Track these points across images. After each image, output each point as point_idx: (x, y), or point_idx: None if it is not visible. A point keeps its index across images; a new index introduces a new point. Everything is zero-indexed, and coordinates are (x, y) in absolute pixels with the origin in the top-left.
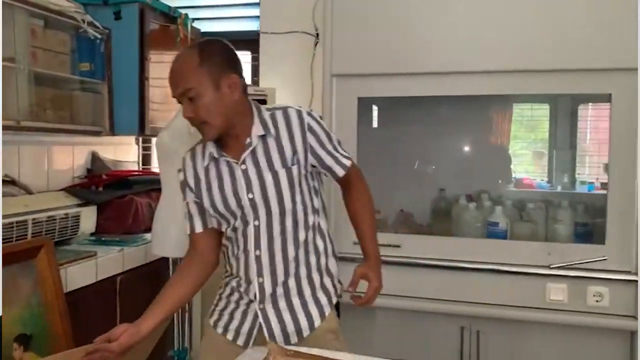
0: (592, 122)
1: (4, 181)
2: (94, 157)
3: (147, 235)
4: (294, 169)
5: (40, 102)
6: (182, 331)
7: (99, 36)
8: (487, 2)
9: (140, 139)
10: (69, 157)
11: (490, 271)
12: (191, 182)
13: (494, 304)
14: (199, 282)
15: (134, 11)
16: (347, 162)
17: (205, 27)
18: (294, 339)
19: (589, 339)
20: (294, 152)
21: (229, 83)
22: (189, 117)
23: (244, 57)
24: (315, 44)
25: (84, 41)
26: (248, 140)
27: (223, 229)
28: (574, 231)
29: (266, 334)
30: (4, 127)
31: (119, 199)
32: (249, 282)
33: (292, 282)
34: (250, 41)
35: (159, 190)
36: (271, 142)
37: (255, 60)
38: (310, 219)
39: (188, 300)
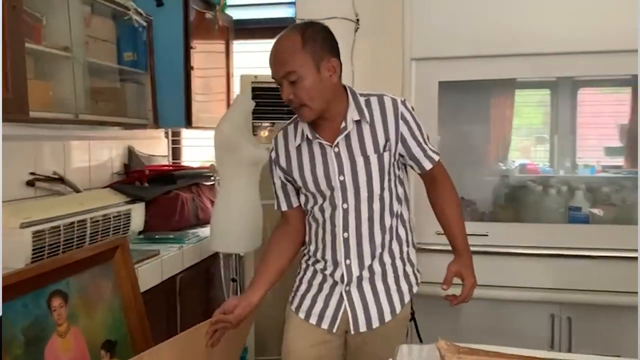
0: None
1: (51, 178)
2: (130, 152)
3: (198, 231)
4: (385, 156)
5: (93, 94)
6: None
7: (144, 24)
8: None
9: (170, 131)
10: (107, 152)
11: (579, 257)
12: (282, 160)
13: (585, 290)
14: (293, 251)
15: None
16: (436, 157)
17: (237, 14)
18: (375, 323)
19: None
20: (387, 139)
21: (328, 66)
22: (289, 99)
23: None
24: (356, 30)
25: (126, 29)
26: (343, 124)
27: (309, 207)
28: None
29: (350, 317)
30: (62, 121)
31: (166, 195)
32: (336, 264)
33: (377, 267)
34: (283, 29)
35: (200, 184)
36: (365, 128)
37: None
38: (395, 206)
39: (286, 270)
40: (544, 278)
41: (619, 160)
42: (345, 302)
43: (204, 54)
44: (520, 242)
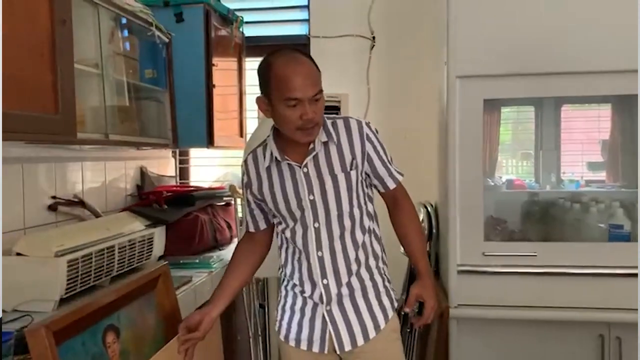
0: None
1: (72, 202)
2: (143, 173)
3: (218, 254)
4: (352, 174)
5: (119, 113)
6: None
7: (165, 40)
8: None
9: (177, 152)
10: (121, 172)
11: (625, 275)
12: (254, 183)
13: (633, 309)
14: (257, 265)
15: (199, 13)
16: (399, 177)
17: (249, 31)
18: (360, 341)
19: None
20: (353, 157)
21: None
22: (311, 118)
23: None
24: (372, 47)
25: (147, 45)
26: (311, 145)
27: (281, 229)
28: None
29: (334, 337)
30: (93, 142)
31: (185, 217)
32: (313, 284)
33: (355, 283)
34: (296, 46)
35: (214, 205)
36: (332, 148)
37: None
38: (366, 222)
39: (248, 283)
40: (590, 297)
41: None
42: (328, 322)
43: (223, 72)
44: (563, 262)
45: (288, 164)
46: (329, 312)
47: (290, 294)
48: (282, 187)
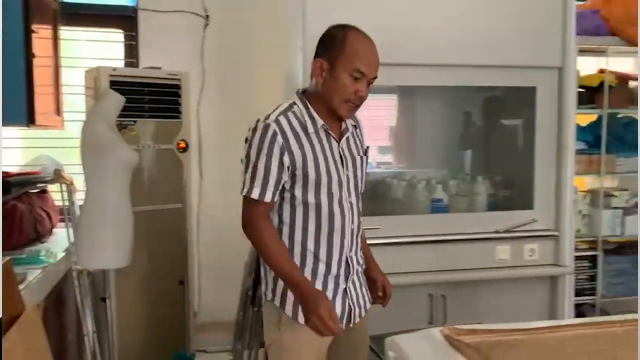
0: None
1: None
2: None
3: (41, 247)
4: (364, 159)
5: None
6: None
7: None
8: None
9: None
10: None
11: (451, 241)
12: (294, 146)
13: (455, 270)
14: None
15: None
16: None
17: None
18: (363, 312)
19: (525, 287)
20: (364, 146)
21: None
22: (363, 96)
23: (116, 36)
24: (205, 26)
25: None
26: (344, 125)
27: (314, 202)
28: (504, 200)
29: (353, 310)
30: None
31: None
32: (340, 259)
33: (361, 259)
34: (122, 17)
35: (28, 193)
36: (355, 133)
37: (130, 39)
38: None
39: None
40: (420, 263)
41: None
42: (348, 296)
43: (43, 41)
44: (401, 232)
45: (328, 136)
46: (348, 288)
47: (309, 273)
48: (324, 158)
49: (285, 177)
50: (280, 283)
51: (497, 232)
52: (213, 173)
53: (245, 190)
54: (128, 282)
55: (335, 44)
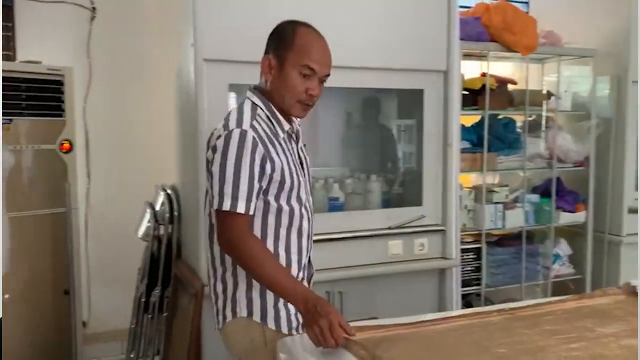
0: None
1: None
2: None
3: None
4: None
5: None
6: None
7: None
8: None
9: None
10: None
11: (347, 239)
12: (274, 155)
13: (352, 266)
14: None
15: None
16: None
17: None
18: None
19: (417, 280)
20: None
21: None
22: (315, 95)
23: None
24: (92, 19)
25: None
26: (295, 126)
27: (287, 208)
28: (396, 197)
29: None
30: None
31: None
32: (300, 264)
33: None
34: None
35: None
36: (300, 133)
37: (6, 30)
38: None
39: None
40: (317, 260)
41: None
42: None
43: None
44: None
45: (290, 138)
46: (311, 289)
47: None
48: (293, 163)
49: (264, 185)
50: (259, 299)
51: (389, 228)
52: (102, 175)
53: (227, 204)
54: (7, 292)
55: (284, 39)
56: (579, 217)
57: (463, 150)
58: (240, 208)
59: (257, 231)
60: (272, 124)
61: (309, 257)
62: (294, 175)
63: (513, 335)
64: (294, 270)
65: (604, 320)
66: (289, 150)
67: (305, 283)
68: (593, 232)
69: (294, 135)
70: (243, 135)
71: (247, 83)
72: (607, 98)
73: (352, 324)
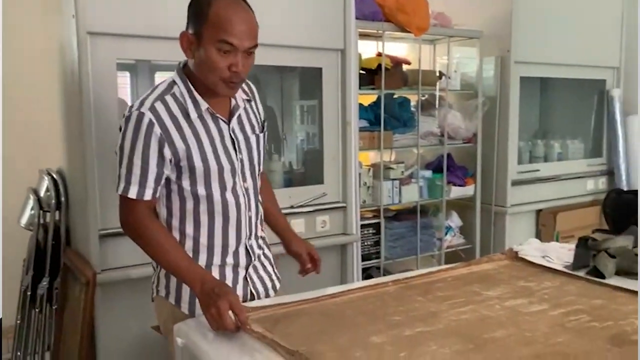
0: None
1: None
2: None
3: None
4: (261, 136)
5: None
6: None
7: None
8: None
9: None
10: None
11: None
12: (174, 137)
13: None
14: None
15: None
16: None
17: None
18: (271, 294)
19: (320, 256)
20: (262, 120)
21: None
22: (240, 71)
23: None
24: None
25: None
26: (234, 102)
27: (204, 193)
28: (298, 177)
29: (255, 297)
30: None
31: None
32: (238, 247)
33: (262, 243)
34: None
35: None
36: (249, 108)
37: None
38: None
39: None
40: None
41: None
42: (250, 283)
43: None
44: None
45: (216, 118)
46: (249, 274)
47: (203, 266)
48: (212, 145)
49: (167, 170)
50: (175, 281)
51: (292, 207)
52: None
53: (121, 188)
54: None
55: (199, 14)
56: (468, 190)
57: (361, 129)
58: (132, 193)
59: (176, 216)
60: (186, 102)
61: (250, 243)
62: (211, 159)
63: (407, 303)
64: (218, 255)
65: (489, 284)
66: (207, 131)
67: (241, 270)
68: (481, 204)
69: (220, 114)
70: (140, 118)
71: (140, 59)
72: (492, 78)
73: (253, 303)
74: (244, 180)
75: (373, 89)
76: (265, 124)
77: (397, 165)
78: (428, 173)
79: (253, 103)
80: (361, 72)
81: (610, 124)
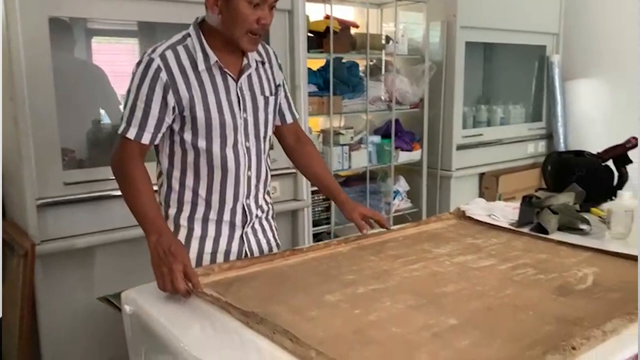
0: None
1: None
2: None
3: None
4: (273, 99)
5: None
6: None
7: None
8: None
9: None
10: None
11: None
12: (181, 84)
13: None
14: None
15: None
16: (296, 113)
17: None
18: None
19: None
20: (275, 83)
21: None
22: (267, 23)
23: None
24: None
25: None
26: (245, 61)
27: (202, 147)
28: None
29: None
30: None
31: None
32: (235, 206)
33: (264, 205)
34: None
35: None
36: (262, 69)
37: None
38: (268, 148)
39: None
40: None
41: None
42: (245, 243)
43: None
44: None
45: (224, 74)
46: (246, 233)
47: (198, 223)
48: (216, 99)
49: (169, 118)
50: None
51: None
52: None
53: (122, 128)
54: None
55: None
56: (415, 155)
57: (310, 94)
58: (131, 134)
59: (177, 167)
60: (196, 54)
61: (248, 203)
62: (213, 111)
63: (360, 263)
64: (215, 210)
65: (439, 242)
66: (213, 84)
67: (238, 228)
68: (427, 169)
69: (230, 70)
70: (149, 63)
71: (75, 17)
72: (438, 43)
73: (202, 267)
74: (247, 139)
75: (321, 52)
76: (281, 88)
77: (347, 130)
78: (377, 138)
79: (267, 66)
80: (309, 35)
81: (550, 89)
